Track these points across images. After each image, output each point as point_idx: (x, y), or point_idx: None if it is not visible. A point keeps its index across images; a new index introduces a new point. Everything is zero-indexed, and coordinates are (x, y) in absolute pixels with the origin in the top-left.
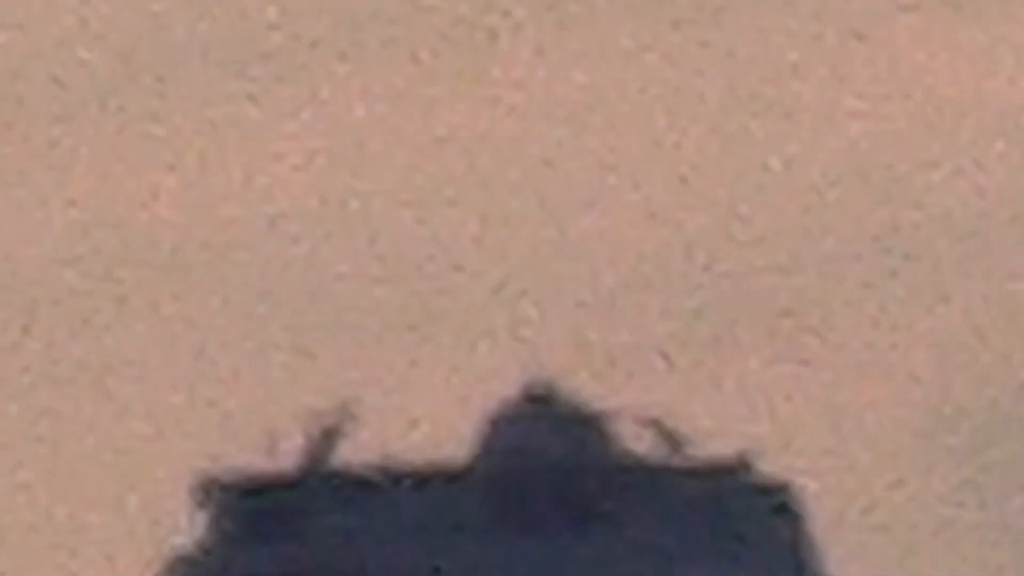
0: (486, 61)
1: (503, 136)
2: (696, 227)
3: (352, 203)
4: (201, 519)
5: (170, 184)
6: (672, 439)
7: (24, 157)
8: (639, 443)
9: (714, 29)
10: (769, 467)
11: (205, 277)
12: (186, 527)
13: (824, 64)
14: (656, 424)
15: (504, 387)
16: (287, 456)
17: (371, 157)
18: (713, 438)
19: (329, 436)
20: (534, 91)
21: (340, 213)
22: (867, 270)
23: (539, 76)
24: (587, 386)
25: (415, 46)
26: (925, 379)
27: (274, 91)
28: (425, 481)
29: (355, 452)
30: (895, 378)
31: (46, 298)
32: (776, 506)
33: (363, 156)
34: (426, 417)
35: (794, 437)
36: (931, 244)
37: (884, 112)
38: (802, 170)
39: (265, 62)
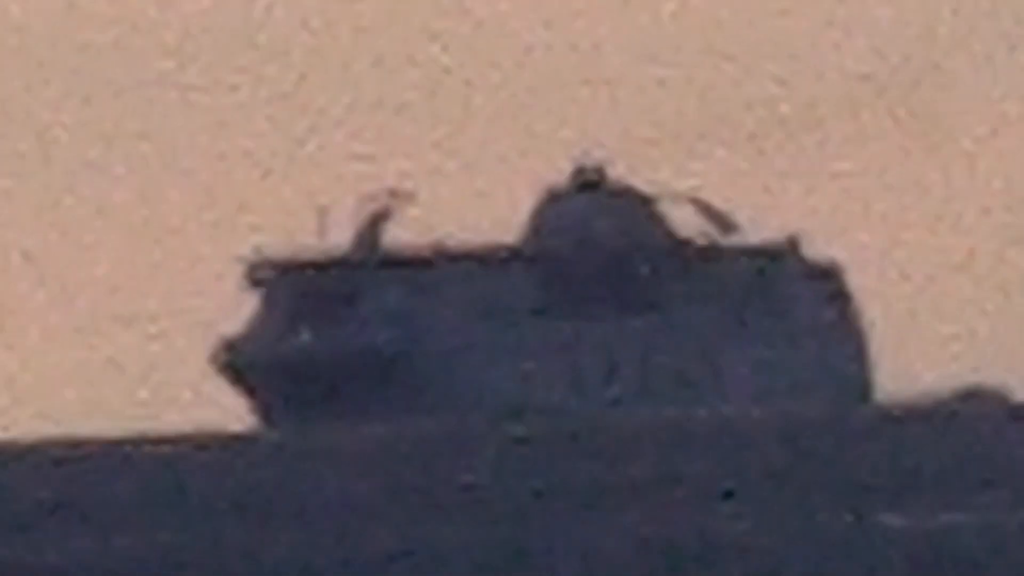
0: None
1: None
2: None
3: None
4: (252, 300)
5: None
6: (722, 222)
7: None
8: (689, 227)
9: None
10: (819, 252)
11: (262, 59)
12: (237, 309)
13: None
14: (706, 207)
15: (555, 172)
16: (338, 237)
17: None
18: (764, 222)
19: (380, 218)
20: None
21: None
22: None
23: None
24: (637, 170)
25: None
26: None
27: None
28: (475, 264)
29: (406, 234)
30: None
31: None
32: (824, 290)
33: None
34: (477, 201)
35: (845, 222)
36: None
37: None
38: None
39: None
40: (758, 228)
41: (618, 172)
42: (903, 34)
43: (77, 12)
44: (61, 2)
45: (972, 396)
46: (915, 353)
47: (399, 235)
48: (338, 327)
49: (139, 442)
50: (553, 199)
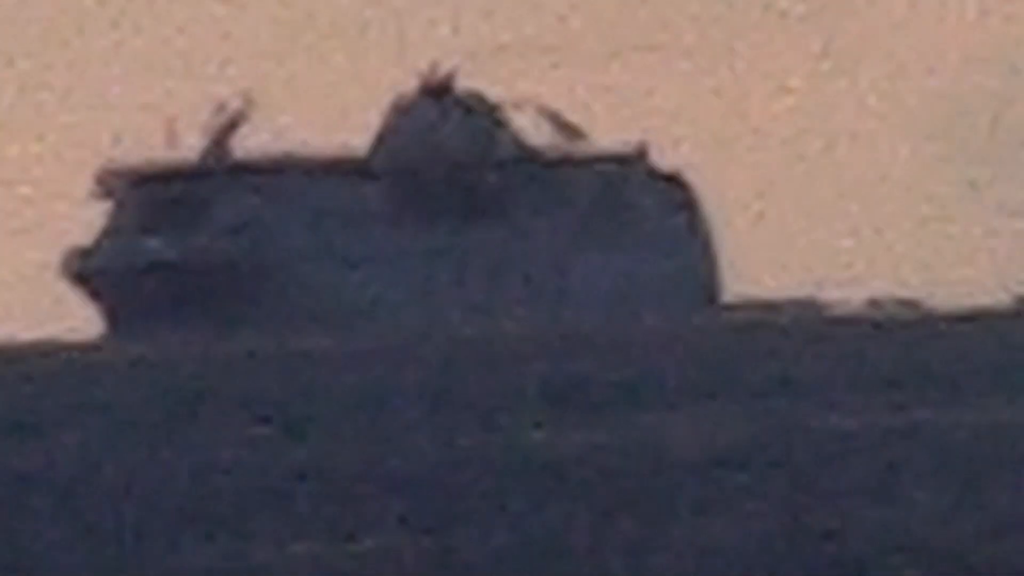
0: None
1: None
2: None
3: None
4: (102, 210)
5: None
6: (570, 131)
7: None
8: (537, 135)
9: None
10: (664, 160)
11: None
12: (87, 218)
13: None
14: (553, 116)
15: (405, 80)
16: (188, 146)
17: None
18: (610, 131)
19: (230, 126)
20: None
21: None
22: None
23: None
24: (485, 79)
25: None
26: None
27: None
28: (326, 172)
29: (256, 143)
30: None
31: None
32: (670, 198)
33: None
34: (328, 109)
35: (689, 130)
36: None
37: None
38: None
39: None
40: (611, 137)
41: (466, 82)
42: None
43: None
44: None
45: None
46: (760, 260)
47: (249, 142)
48: (187, 235)
49: None
50: (402, 108)
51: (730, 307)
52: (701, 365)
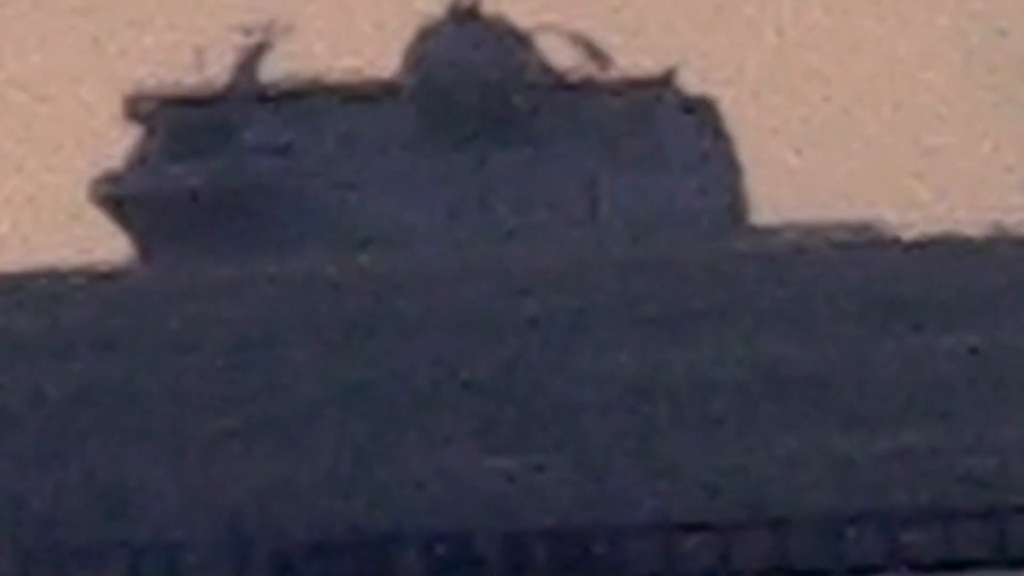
0: None
1: None
2: None
3: None
4: (132, 135)
5: None
6: (598, 55)
7: None
8: (565, 59)
9: None
10: (692, 84)
11: None
12: (117, 143)
13: None
14: (582, 40)
15: (432, 4)
16: (216, 71)
17: None
18: (639, 54)
19: (258, 51)
20: None
21: None
22: None
23: None
24: (513, 3)
25: None
26: None
27: None
28: (354, 96)
29: (284, 67)
30: None
31: None
32: (698, 122)
33: None
34: (355, 33)
35: (717, 55)
36: None
37: None
38: None
39: None
40: (636, 62)
41: (493, 5)
42: None
43: None
44: None
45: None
46: (789, 187)
47: (277, 68)
48: (216, 160)
49: (20, 277)
50: (428, 32)
51: (759, 230)
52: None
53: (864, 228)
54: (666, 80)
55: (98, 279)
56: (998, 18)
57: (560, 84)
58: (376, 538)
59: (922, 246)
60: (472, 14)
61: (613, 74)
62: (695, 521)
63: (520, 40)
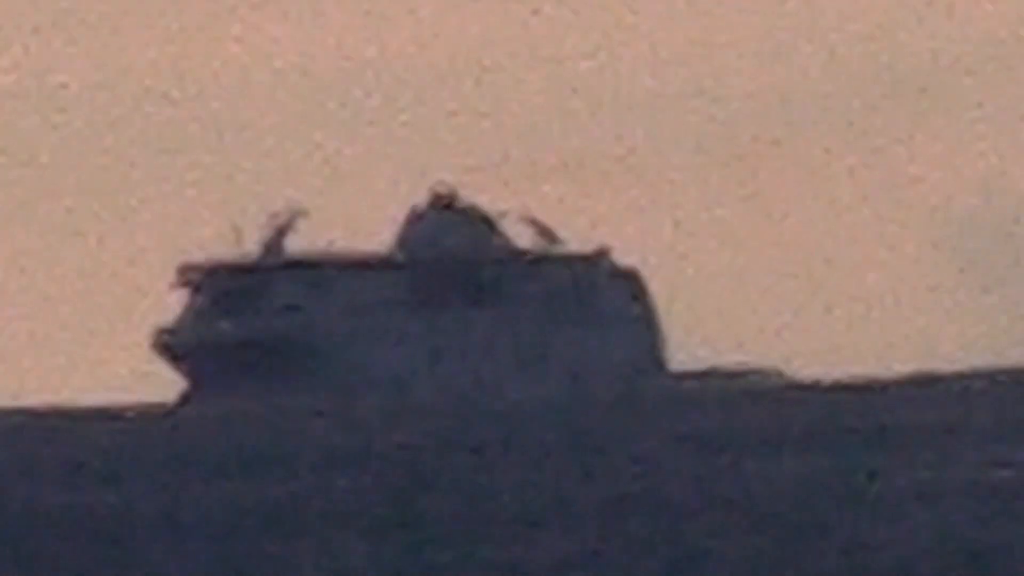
0: None
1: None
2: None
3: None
4: (180, 297)
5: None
6: (548, 235)
7: None
8: (522, 238)
9: None
10: (622, 258)
11: (181, 110)
12: (169, 304)
13: None
14: (536, 224)
15: (418, 194)
16: (249, 246)
17: None
18: (580, 235)
19: (283, 230)
20: None
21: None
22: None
23: None
24: (483, 192)
25: None
26: None
27: None
28: (358, 266)
29: (303, 243)
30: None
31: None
32: (628, 289)
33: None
34: (357, 217)
35: (643, 235)
36: None
37: None
38: None
39: None
40: (577, 240)
41: (467, 195)
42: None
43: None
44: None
45: (751, 373)
46: (701, 336)
47: (297, 243)
48: (250, 317)
49: (99, 411)
50: (416, 216)
51: (679, 376)
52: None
53: (768, 373)
54: (602, 255)
55: (151, 413)
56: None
57: (519, 258)
58: None
59: (820, 389)
60: (449, 204)
61: (560, 250)
62: None
63: (488, 224)
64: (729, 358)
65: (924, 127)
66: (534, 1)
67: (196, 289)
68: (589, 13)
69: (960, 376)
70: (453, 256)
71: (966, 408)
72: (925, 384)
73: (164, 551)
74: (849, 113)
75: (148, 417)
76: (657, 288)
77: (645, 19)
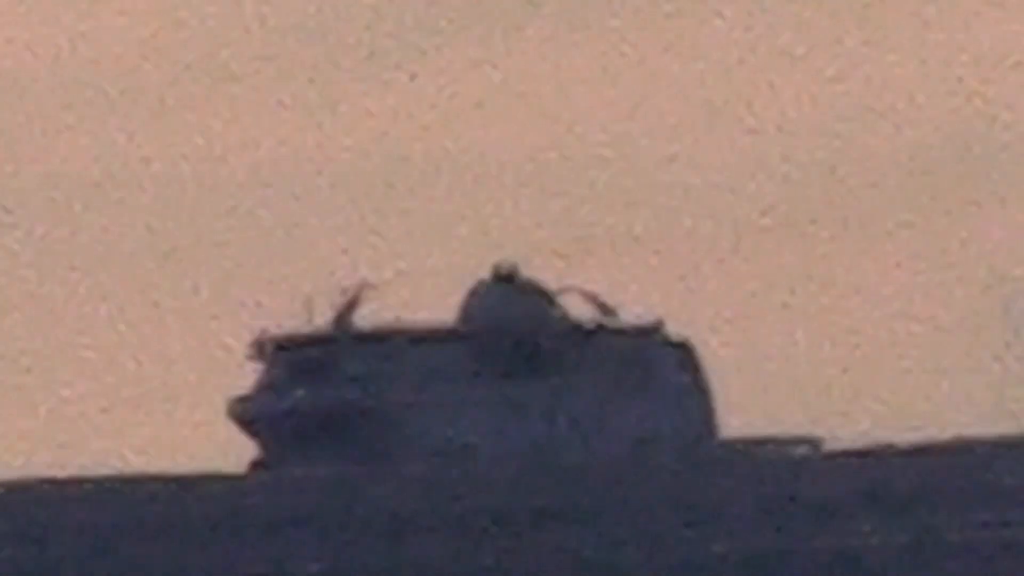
0: None
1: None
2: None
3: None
4: (256, 369)
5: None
6: (604, 308)
7: None
8: (581, 312)
9: None
10: (677, 330)
11: (253, 188)
12: (245, 375)
13: None
14: (593, 298)
15: (481, 270)
16: (320, 319)
17: None
18: (636, 309)
19: (351, 304)
20: None
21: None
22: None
23: None
24: (543, 268)
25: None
26: None
27: None
28: (424, 339)
29: (372, 316)
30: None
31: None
32: (681, 359)
33: None
34: (423, 290)
35: (697, 308)
36: None
37: None
38: None
39: None
40: (631, 313)
41: (528, 270)
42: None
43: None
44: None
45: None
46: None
47: (366, 316)
48: (321, 388)
49: (177, 479)
50: (477, 291)
51: (730, 443)
52: None
53: (816, 441)
54: (657, 328)
55: (226, 482)
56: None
57: (578, 331)
58: None
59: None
60: (510, 278)
61: (617, 323)
62: None
63: (547, 298)
64: (777, 426)
65: (978, 195)
66: (589, 73)
67: (270, 361)
68: (646, 84)
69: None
70: (514, 329)
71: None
72: (963, 451)
73: None
74: (903, 180)
75: (224, 484)
76: (709, 358)
77: (700, 90)
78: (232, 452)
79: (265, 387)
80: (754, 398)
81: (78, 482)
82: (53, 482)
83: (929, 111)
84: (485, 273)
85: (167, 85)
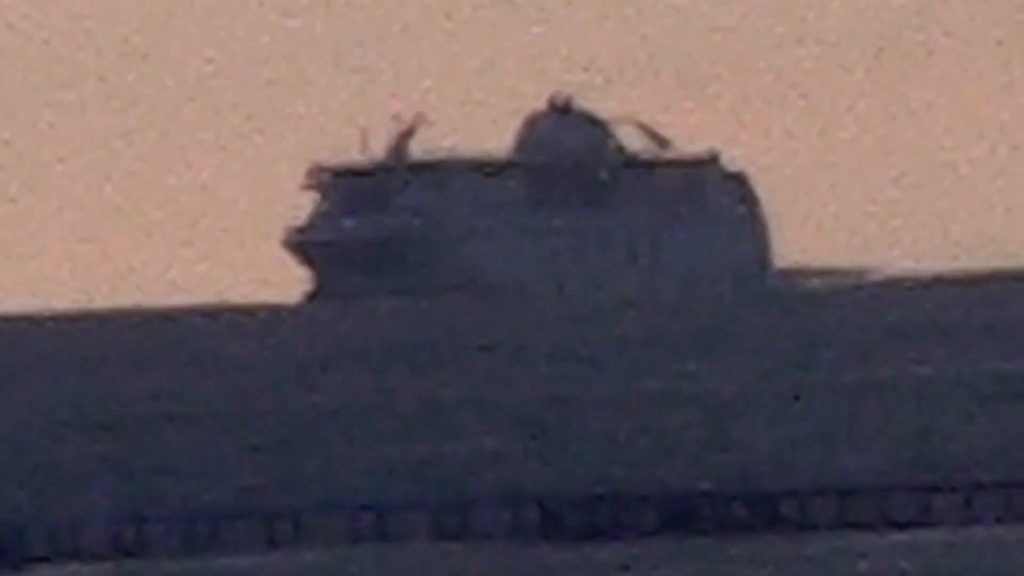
0: None
1: None
2: None
3: None
4: (312, 197)
5: None
6: (659, 140)
7: None
8: (635, 142)
9: None
10: (733, 163)
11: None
12: (301, 203)
13: None
14: (648, 129)
15: (535, 101)
16: (376, 149)
17: None
18: (690, 140)
19: (406, 134)
20: None
21: None
22: None
23: None
24: (596, 98)
25: None
26: None
27: None
28: (479, 168)
29: (426, 146)
30: None
31: None
32: (737, 192)
33: None
34: (478, 121)
35: (754, 138)
36: None
37: None
38: None
39: None
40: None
41: (582, 102)
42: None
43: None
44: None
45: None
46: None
47: (421, 147)
48: (376, 218)
49: (218, 308)
50: (533, 121)
51: (785, 273)
52: None
53: (868, 271)
54: (712, 160)
55: (278, 311)
56: None
57: (632, 162)
58: None
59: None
60: (566, 108)
61: (672, 154)
62: None
63: (602, 128)
64: (834, 256)
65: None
66: None
67: (325, 191)
68: None
69: None
70: (569, 159)
71: None
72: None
73: (299, 442)
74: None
75: (279, 313)
76: (763, 190)
77: None
78: (289, 281)
79: (320, 217)
80: (810, 231)
81: (136, 313)
82: (108, 313)
83: None
84: (541, 104)
85: None
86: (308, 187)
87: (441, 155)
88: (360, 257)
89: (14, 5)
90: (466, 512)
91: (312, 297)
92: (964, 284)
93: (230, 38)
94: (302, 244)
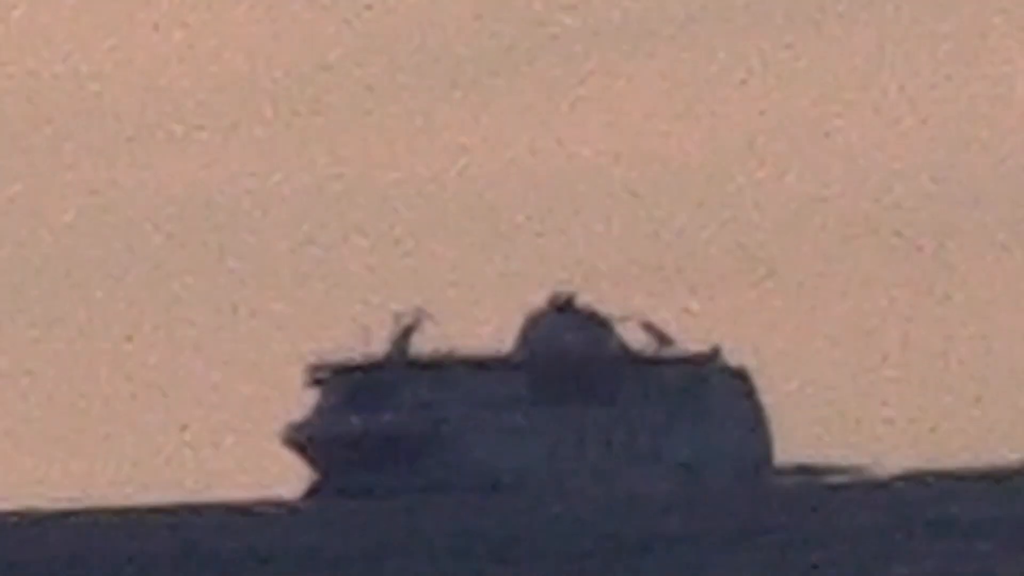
0: None
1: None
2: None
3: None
4: (312, 394)
5: None
6: (662, 337)
7: None
8: (637, 340)
9: None
10: (733, 359)
11: (311, 217)
12: (301, 400)
13: None
14: (650, 326)
15: (537, 298)
16: (377, 345)
17: None
18: (692, 337)
19: (408, 330)
20: None
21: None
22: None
23: None
24: (599, 296)
25: None
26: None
27: None
28: (481, 365)
29: (428, 342)
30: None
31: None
32: (738, 387)
33: None
34: (479, 319)
35: (753, 336)
36: None
37: None
38: None
39: None
40: (689, 341)
41: (584, 299)
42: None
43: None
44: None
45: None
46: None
47: (422, 344)
48: (377, 414)
49: (231, 506)
50: (536, 318)
51: (782, 470)
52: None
53: (858, 469)
54: (714, 356)
55: (279, 508)
56: None
57: (635, 359)
58: None
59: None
60: (567, 305)
61: (674, 351)
62: None
63: (604, 325)
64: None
65: None
66: (648, 107)
67: (326, 386)
68: (707, 118)
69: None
70: (570, 356)
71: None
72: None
73: None
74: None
75: (279, 509)
76: (765, 386)
77: (766, 121)
78: (288, 478)
79: (321, 412)
80: (809, 426)
81: (134, 511)
82: (110, 511)
83: None
84: (543, 301)
85: (234, 111)
86: (309, 383)
87: (442, 351)
88: (361, 453)
89: None
90: None
91: (311, 493)
92: (967, 479)
93: (232, 236)
94: (302, 441)
